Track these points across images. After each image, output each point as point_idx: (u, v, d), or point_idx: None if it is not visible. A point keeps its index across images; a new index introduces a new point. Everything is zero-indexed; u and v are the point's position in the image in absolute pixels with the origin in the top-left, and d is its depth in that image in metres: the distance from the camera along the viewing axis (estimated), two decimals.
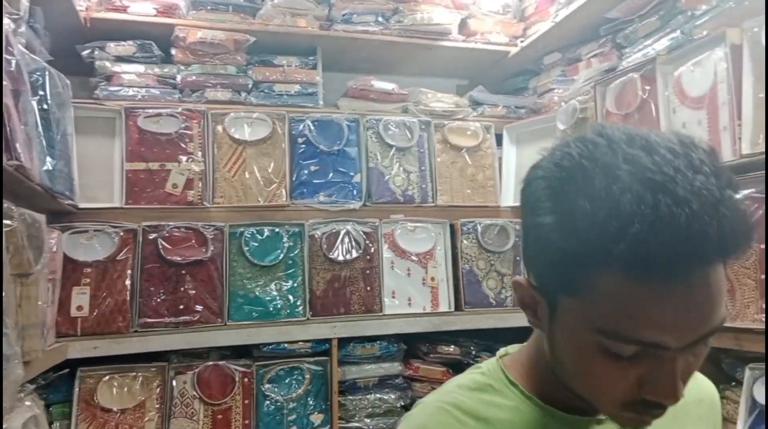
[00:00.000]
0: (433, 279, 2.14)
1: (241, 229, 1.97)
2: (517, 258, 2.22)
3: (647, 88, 1.75)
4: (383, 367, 2.09)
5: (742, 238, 0.50)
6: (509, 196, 2.31)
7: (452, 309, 2.15)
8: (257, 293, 1.95)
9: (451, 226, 2.21)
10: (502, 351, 0.73)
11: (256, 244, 1.97)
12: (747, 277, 1.42)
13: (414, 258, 2.14)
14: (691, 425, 0.71)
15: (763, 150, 1.39)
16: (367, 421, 2.04)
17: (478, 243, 2.19)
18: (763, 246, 1.39)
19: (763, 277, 1.38)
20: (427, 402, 0.68)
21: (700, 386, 0.76)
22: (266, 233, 1.99)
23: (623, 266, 0.49)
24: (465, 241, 2.19)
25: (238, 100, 2.13)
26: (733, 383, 1.52)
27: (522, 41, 2.36)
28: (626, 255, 0.48)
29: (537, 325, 0.62)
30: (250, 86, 2.15)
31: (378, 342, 2.08)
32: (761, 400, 1.35)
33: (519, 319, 2.16)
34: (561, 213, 0.53)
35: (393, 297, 2.10)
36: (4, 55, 1.22)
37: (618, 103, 1.86)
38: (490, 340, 2.23)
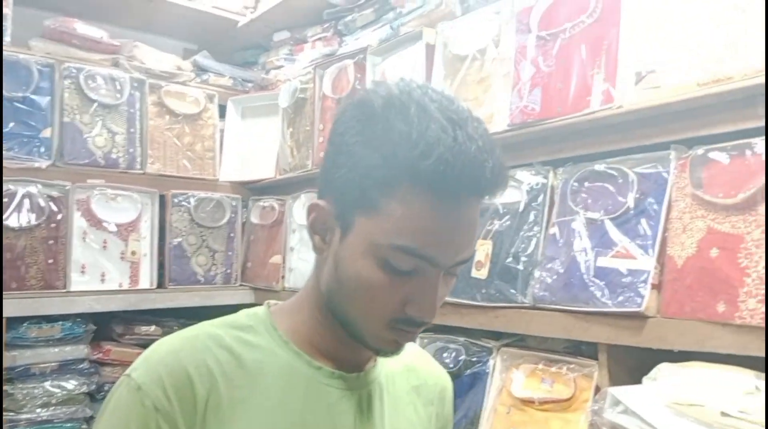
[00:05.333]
0: (134, 253, 1.95)
1: None
2: (231, 234, 2.15)
3: (359, 75, 1.82)
4: (65, 351, 1.84)
5: (502, 182, 0.61)
6: (229, 170, 2.23)
7: (154, 286, 1.99)
8: None
9: (162, 197, 2.05)
10: (273, 301, 0.76)
11: None
12: None
13: (113, 229, 1.93)
14: (421, 404, 0.78)
15: None
16: (41, 411, 1.78)
17: (191, 217, 2.07)
18: None
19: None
20: (182, 331, 0.69)
21: (438, 375, 0.84)
22: None
23: (425, 182, 0.57)
24: (175, 214, 2.04)
25: None
26: None
27: (252, 12, 2.30)
28: (430, 171, 0.57)
29: (321, 251, 0.67)
30: None
31: (60, 322, 1.83)
32: None
33: (228, 297, 2.14)
34: (376, 133, 0.60)
35: (83, 272, 1.86)
36: None
37: (334, 87, 1.91)
38: (196, 319, 2.11)
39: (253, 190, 2.23)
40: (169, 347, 0.65)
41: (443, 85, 1.59)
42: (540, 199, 1.36)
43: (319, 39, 2.12)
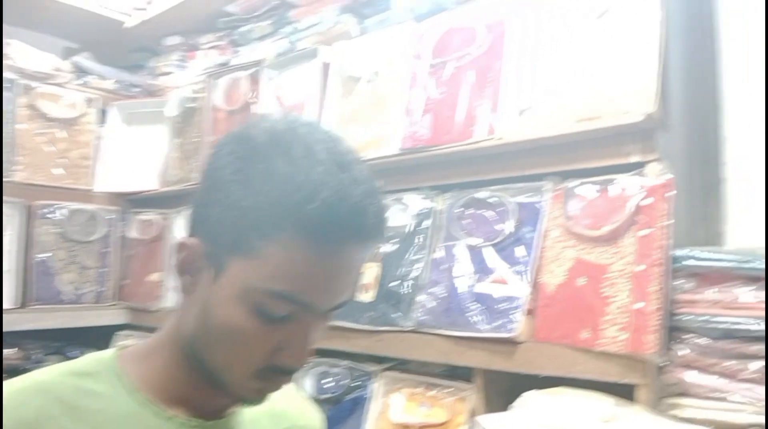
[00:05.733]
0: None
1: None
2: (106, 249, 2.01)
3: (253, 88, 1.78)
4: None
5: (384, 226, 0.60)
6: (107, 180, 2.08)
7: (17, 306, 1.81)
8: None
9: (29, 208, 1.88)
10: (126, 343, 0.69)
11: None
12: None
13: None
14: None
15: None
16: None
17: (60, 230, 1.91)
18: None
19: None
20: (13, 381, 0.61)
21: (308, 416, 0.79)
22: None
23: (307, 226, 0.54)
24: (41, 227, 1.88)
25: None
26: None
27: (142, 14, 2.18)
28: (314, 215, 0.54)
29: (189, 293, 0.62)
30: None
31: None
32: (309, 391, 1.46)
33: (100, 317, 1.99)
34: (257, 173, 0.56)
35: None
36: None
37: (226, 98, 1.85)
38: (62, 342, 1.96)
39: (132, 202, 2.09)
40: None
41: (338, 105, 1.58)
42: (426, 223, 1.37)
43: (213, 47, 2.05)
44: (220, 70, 1.91)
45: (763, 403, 0.87)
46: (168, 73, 2.17)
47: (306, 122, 0.60)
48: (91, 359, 0.65)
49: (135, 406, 0.61)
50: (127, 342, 0.70)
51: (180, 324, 0.64)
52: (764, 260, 0.91)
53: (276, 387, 0.62)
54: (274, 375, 0.60)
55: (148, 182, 2.03)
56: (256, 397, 0.62)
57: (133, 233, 2.04)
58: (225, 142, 0.61)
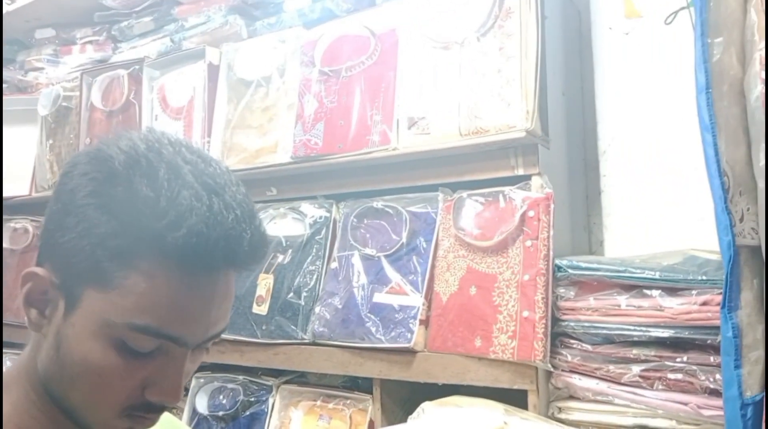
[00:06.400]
0: None
1: None
2: None
3: (133, 88, 1.67)
4: None
5: (262, 252, 0.56)
6: None
7: None
8: None
9: None
10: None
11: None
12: None
13: None
14: None
15: None
16: None
17: None
18: None
19: None
20: None
21: None
22: None
23: (173, 255, 0.51)
24: None
25: None
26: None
27: (9, 4, 1.98)
28: (179, 244, 0.50)
29: (39, 327, 0.56)
30: None
31: None
32: (201, 409, 1.41)
33: None
34: (116, 197, 0.52)
35: None
36: None
37: (104, 98, 1.73)
38: None
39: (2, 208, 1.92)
40: None
41: (227, 109, 1.52)
42: (323, 232, 1.36)
43: (90, 42, 1.90)
44: (97, 67, 1.79)
45: (645, 405, 0.94)
46: (39, 69, 1.99)
47: (171, 141, 0.56)
48: None
49: None
50: None
51: (33, 359, 0.58)
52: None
53: (147, 425, 0.58)
54: (143, 412, 0.56)
55: (19, 187, 1.87)
56: None
57: (4, 243, 1.87)
58: (77, 161, 0.56)
